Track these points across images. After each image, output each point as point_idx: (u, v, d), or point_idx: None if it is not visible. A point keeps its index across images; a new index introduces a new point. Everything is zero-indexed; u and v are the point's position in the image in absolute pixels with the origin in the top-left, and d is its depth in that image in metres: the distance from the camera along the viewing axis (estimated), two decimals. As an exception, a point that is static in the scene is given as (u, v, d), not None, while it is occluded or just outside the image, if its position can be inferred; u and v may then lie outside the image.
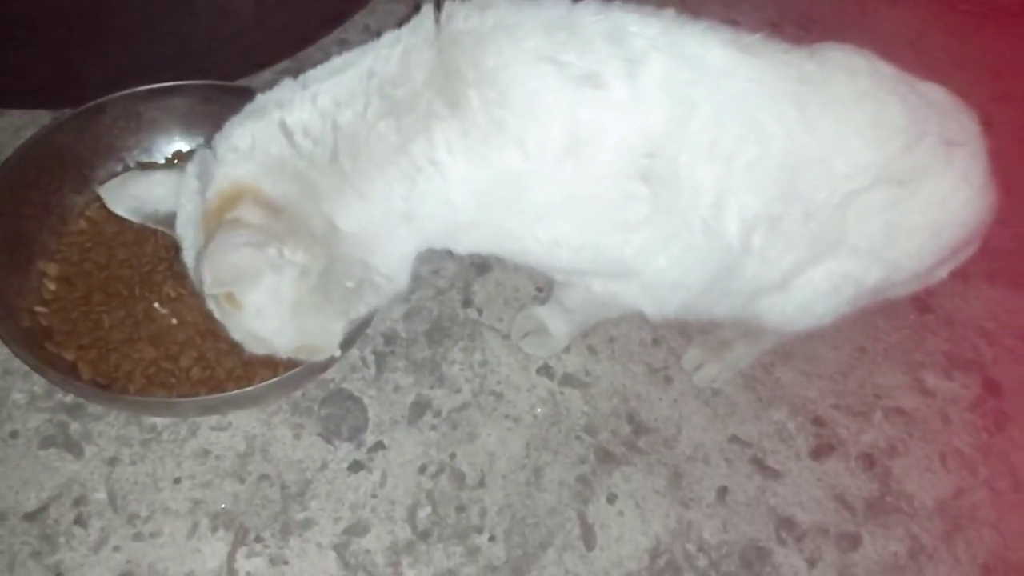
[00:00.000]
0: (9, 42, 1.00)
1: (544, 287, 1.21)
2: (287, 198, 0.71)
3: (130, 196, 0.81)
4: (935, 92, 0.87)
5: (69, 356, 0.92)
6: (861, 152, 0.81)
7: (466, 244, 0.83)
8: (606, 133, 0.73)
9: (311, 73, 0.76)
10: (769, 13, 1.81)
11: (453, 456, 1.05)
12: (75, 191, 1.02)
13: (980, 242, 1.01)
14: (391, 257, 0.79)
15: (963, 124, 0.87)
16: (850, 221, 0.84)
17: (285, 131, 0.72)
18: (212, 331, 0.97)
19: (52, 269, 0.98)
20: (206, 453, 0.97)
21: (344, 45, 1.36)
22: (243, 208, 0.69)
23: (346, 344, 0.94)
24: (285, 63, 1.20)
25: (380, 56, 0.73)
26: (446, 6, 0.74)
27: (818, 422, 1.20)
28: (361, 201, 0.73)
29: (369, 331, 1.11)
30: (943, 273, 1.03)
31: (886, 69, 0.84)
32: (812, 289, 0.91)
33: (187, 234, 0.77)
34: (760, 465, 1.14)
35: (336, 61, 0.76)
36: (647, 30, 0.74)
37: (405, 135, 0.71)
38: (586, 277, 0.92)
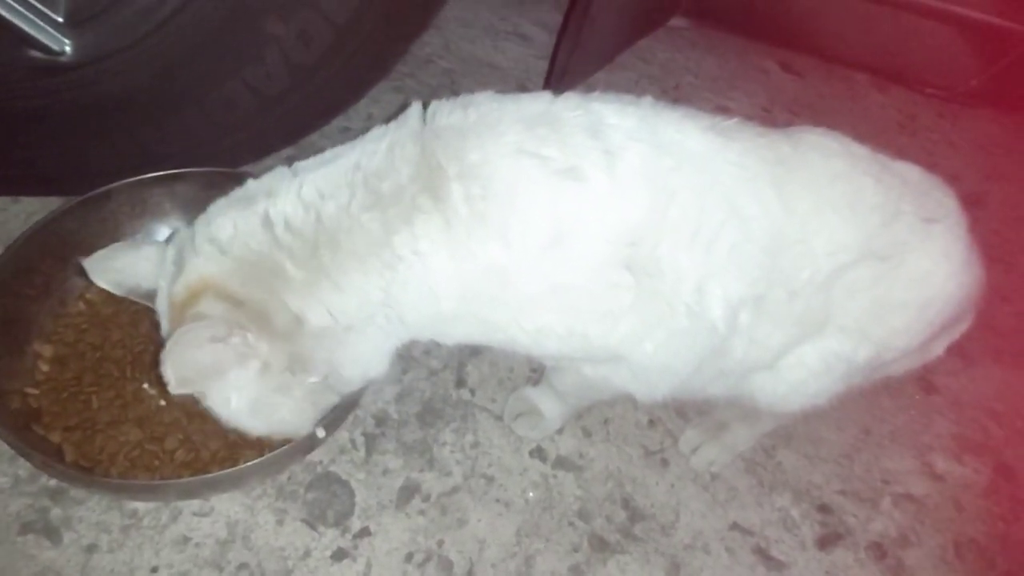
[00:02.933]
0: (22, 134, 1.05)
1: (538, 368, 1.20)
2: (251, 294, 0.72)
3: (113, 269, 0.82)
4: (909, 171, 0.89)
5: (55, 438, 0.92)
6: (840, 230, 0.82)
7: (453, 335, 0.83)
8: (588, 224, 0.74)
9: (301, 163, 0.78)
10: (760, 99, 1.87)
11: (441, 543, 1.01)
12: (77, 274, 1.05)
13: (974, 317, 1.00)
14: (362, 352, 0.79)
15: (939, 201, 0.88)
16: (836, 299, 0.84)
17: (267, 224, 0.73)
18: (199, 413, 0.96)
19: (47, 351, 0.99)
20: (186, 540, 0.95)
21: (347, 133, 1.42)
22: (205, 302, 0.71)
23: (332, 426, 0.93)
24: (288, 150, 1.25)
25: (367, 150, 0.75)
26: (432, 104, 0.77)
27: (824, 509, 1.16)
28: (336, 292, 0.73)
29: (359, 412, 1.11)
30: (939, 350, 1.01)
31: (858, 150, 0.86)
32: (803, 368, 0.90)
33: (163, 314, 0.78)
34: (764, 555, 1.09)
35: (326, 153, 0.78)
36: (625, 121, 0.76)
37: (389, 227, 0.72)
38: (575, 362, 0.91)
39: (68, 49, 0.97)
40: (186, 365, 0.69)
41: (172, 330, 0.71)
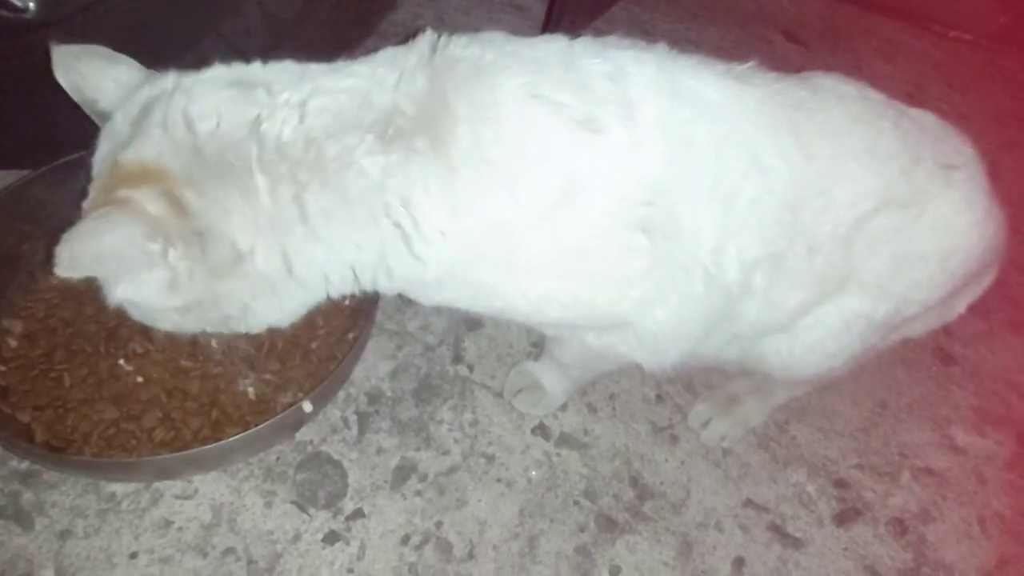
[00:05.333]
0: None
1: (539, 343, 1.14)
2: (203, 207, 0.62)
3: (78, 71, 0.69)
4: (925, 117, 0.85)
5: (24, 417, 0.86)
6: (861, 177, 0.78)
7: (435, 299, 0.76)
8: (604, 180, 0.69)
9: (315, 67, 0.69)
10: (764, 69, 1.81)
11: (440, 524, 0.96)
12: (49, 246, 0.99)
13: (996, 273, 0.96)
14: (290, 305, 0.71)
15: (957, 148, 0.85)
16: (857, 254, 0.80)
17: (255, 134, 0.63)
18: (180, 389, 0.91)
19: (16, 326, 0.93)
20: (167, 524, 0.89)
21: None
22: (146, 193, 0.60)
23: (320, 401, 0.88)
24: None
25: (377, 78, 0.67)
26: (444, 36, 0.70)
27: (841, 484, 1.10)
28: (309, 242, 0.66)
29: (351, 390, 1.05)
30: (961, 308, 0.97)
31: (874, 95, 0.83)
32: (820, 328, 0.86)
33: (97, 173, 0.67)
34: (779, 532, 1.03)
35: (339, 69, 0.69)
36: (643, 69, 0.71)
37: (387, 172, 0.65)
38: (578, 331, 0.85)
39: (32, 6, 0.91)
40: (86, 254, 0.59)
41: (96, 201, 0.62)
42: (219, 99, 0.64)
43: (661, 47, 0.75)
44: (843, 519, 1.07)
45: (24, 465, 0.90)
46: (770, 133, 0.74)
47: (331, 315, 1.02)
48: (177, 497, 0.91)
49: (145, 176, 0.62)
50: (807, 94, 0.78)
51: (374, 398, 1.06)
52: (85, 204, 0.65)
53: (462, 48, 0.69)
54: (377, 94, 0.66)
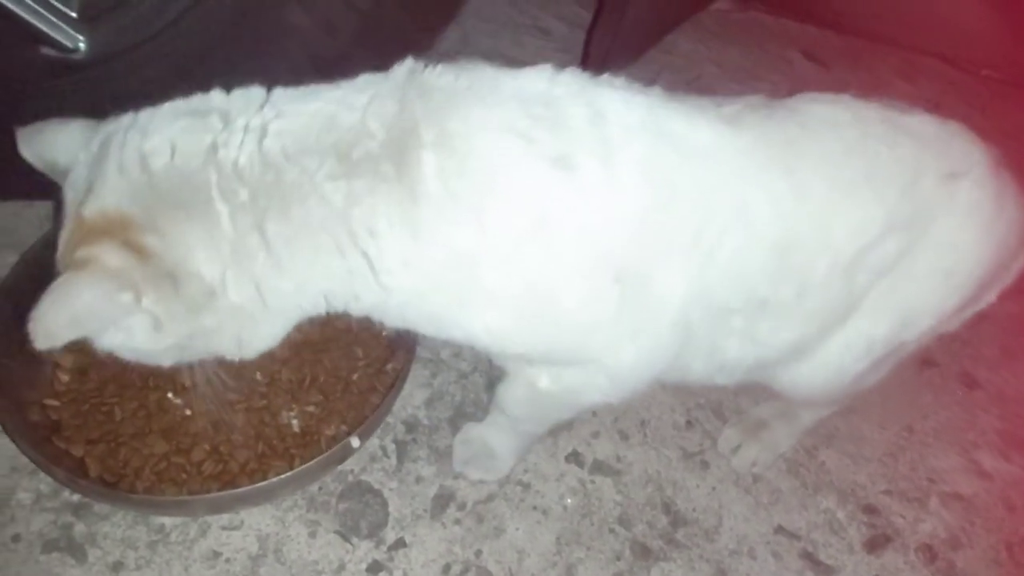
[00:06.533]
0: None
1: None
2: (165, 246, 0.61)
3: (40, 140, 0.70)
4: (924, 125, 0.82)
5: (77, 452, 0.88)
6: (859, 209, 0.76)
7: (396, 322, 0.73)
8: (575, 219, 0.66)
9: (280, 92, 0.67)
10: (784, 89, 1.81)
11: (479, 553, 0.97)
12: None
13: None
14: (270, 331, 0.70)
15: (963, 151, 0.82)
16: (859, 283, 0.79)
17: (212, 161, 0.62)
18: (226, 422, 0.93)
19: (67, 360, 0.95)
20: (216, 555, 0.91)
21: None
22: (105, 248, 0.59)
23: (366, 434, 0.90)
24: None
25: (347, 102, 0.65)
26: (422, 64, 0.69)
27: (870, 510, 1.12)
28: (273, 270, 0.64)
29: (389, 419, 1.07)
30: (992, 297, 0.92)
31: (867, 113, 0.79)
32: (820, 351, 0.85)
33: (64, 229, 0.65)
34: (811, 560, 1.05)
35: (308, 91, 0.67)
36: (630, 111, 0.69)
37: (351, 199, 0.63)
38: (533, 370, 0.81)
39: (82, 46, 0.93)
40: (59, 323, 0.58)
41: (63, 260, 0.62)
42: (173, 131, 0.63)
43: (655, 90, 0.73)
44: (874, 546, 1.08)
45: (76, 497, 0.92)
46: (760, 178, 0.72)
47: (370, 346, 1.04)
48: (224, 528, 0.93)
49: (107, 227, 0.60)
50: (799, 129, 0.75)
51: (411, 427, 1.08)
52: (57, 257, 0.64)
53: (438, 76, 0.68)
54: (344, 115, 0.64)
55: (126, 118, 0.66)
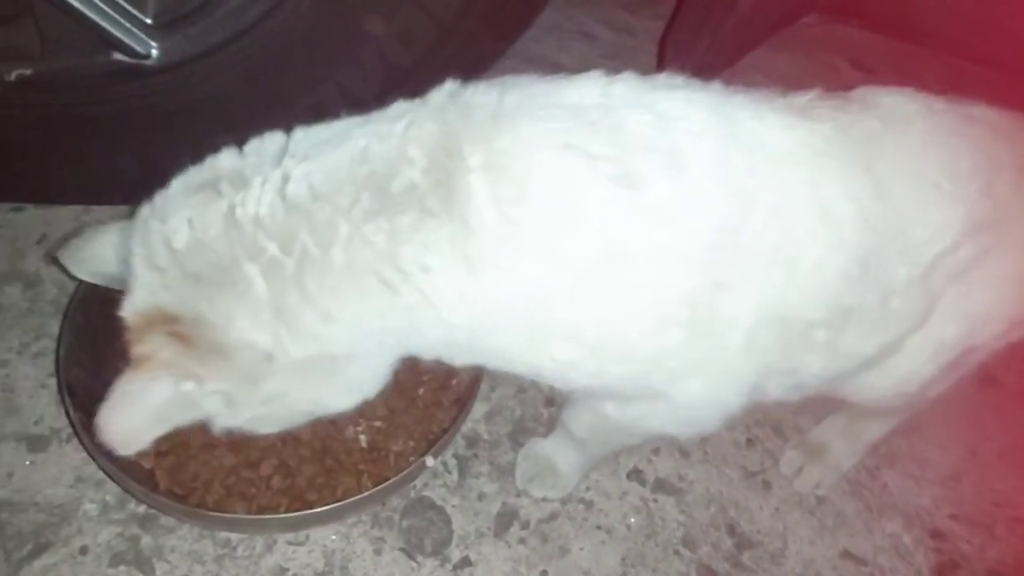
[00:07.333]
0: (100, 141, 1.00)
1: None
2: (207, 329, 0.59)
3: (85, 258, 0.70)
4: (988, 114, 0.77)
5: (147, 464, 0.87)
6: (940, 210, 0.71)
7: (464, 360, 0.70)
8: (642, 242, 0.61)
9: (300, 136, 0.63)
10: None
11: (544, 574, 0.96)
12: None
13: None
14: (354, 378, 0.66)
15: None
16: (934, 288, 0.75)
17: (232, 226, 0.58)
18: (293, 436, 0.92)
19: (133, 369, 0.94)
20: (282, 571, 0.90)
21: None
22: (151, 341, 0.58)
23: (439, 452, 0.88)
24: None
25: (380, 131, 0.60)
26: (464, 84, 0.64)
27: (936, 535, 1.09)
28: (322, 322, 0.60)
29: (450, 433, 1.05)
30: None
31: (938, 105, 0.75)
32: (897, 357, 0.81)
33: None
34: (879, 586, 1.03)
35: (332, 127, 0.63)
36: (694, 112, 0.63)
37: (397, 238, 0.58)
38: (600, 400, 0.78)
39: (154, 52, 0.92)
40: (133, 428, 0.59)
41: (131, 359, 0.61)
42: (188, 208, 0.60)
43: (716, 85, 0.67)
44: (941, 572, 1.06)
45: (141, 509, 0.91)
46: (842, 176, 0.66)
47: (433, 359, 1.03)
48: (290, 543, 0.92)
49: (149, 324, 0.59)
50: (878, 123, 0.70)
51: (472, 442, 1.06)
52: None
53: (481, 94, 0.62)
54: (377, 146, 0.59)
55: (145, 208, 0.63)
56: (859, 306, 0.71)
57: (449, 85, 0.64)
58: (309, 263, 0.58)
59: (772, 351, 0.71)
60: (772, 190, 0.64)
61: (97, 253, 0.69)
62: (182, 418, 0.62)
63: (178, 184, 0.63)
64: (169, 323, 0.59)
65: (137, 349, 0.59)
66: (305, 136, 0.63)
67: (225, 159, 0.63)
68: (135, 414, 0.59)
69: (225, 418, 0.64)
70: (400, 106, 0.64)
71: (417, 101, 0.64)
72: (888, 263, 0.71)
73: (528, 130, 0.59)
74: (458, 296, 0.60)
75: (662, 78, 0.66)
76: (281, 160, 0.60)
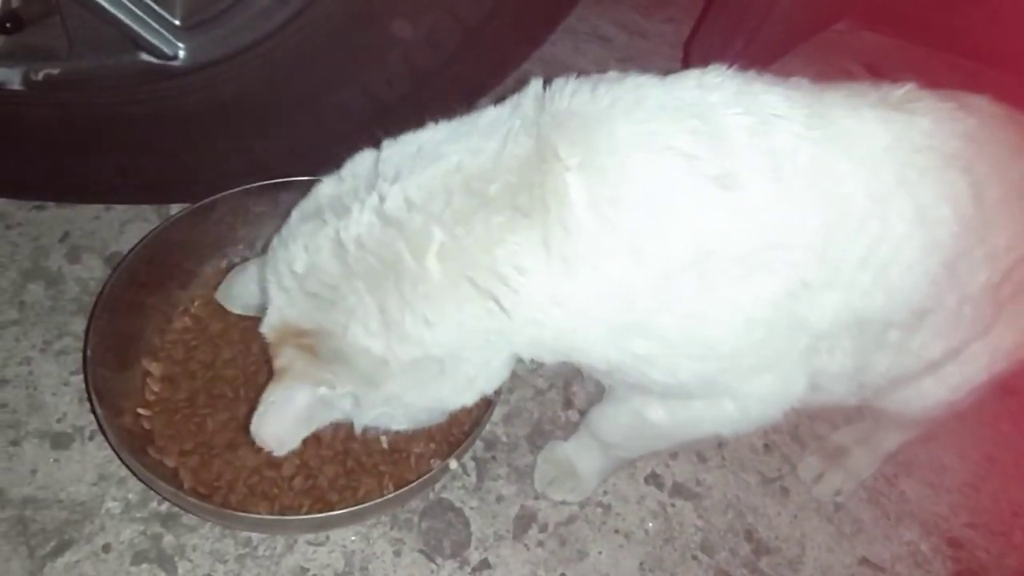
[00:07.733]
0: (126, 141, 1.01)
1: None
2: (326, 340, 0.65)
3: (235, 295, 0.80)
4: None
5: (170, 463, 0.87)
6: (1022, 218, 0.71)
7: (547, 359, 0.71)
8: (738, 245, 0.61)
9: (388, 154, 0.65)
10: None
11: (563, 577, 0.96)
12: (180, 287, 1.01)
13: None
14: (468, 374, 0.69)
15: None
16: (1002, 297, 0.75)
17: (339, 249, 0.63)
18: (315, 437, 0.92)
19: (156, 369, 0.94)
20: (303, 571, 0.90)
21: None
22: (284, 354, 0.66)
23: (462, 453, 0.88)
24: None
25: (471, 147, 0.62)
26: (554, 83, 0.65)
27: (954, 543, 1.09)
28: (424, 327, 0.63)
29: (469, 435, 1.05)
30: None
31: (1020, 116, 0.76)
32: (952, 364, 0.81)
33: None
34: (898, 594, 1.03)
35: (419, 140, 0.65)
36: (794, 111, 0.62)
37: (491, 239, 0.60)
38: (646, 403, 0.77)
39: (181, 53, 0.92)
40: (286, 431, 0.68)
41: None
42: (303, 237, 0.66)
43: (802, 81, 0.68)
44: (960, 581, 1.06)
45: (164, 507, 0.91)
46: (941, 175, 0.66)
47: (454, 361, 1.03)
48: (310, 544, 0.92)
49: (282, 338, 0.67)
50: (976, 122, 0.69)
51: (490, 444, 1.06)
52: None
53: (571, 97, 0.63)
54: (470, 160, 0.61)
55: (275, 239, 0.70)
56: (937, 309, 0.71)
57: (534, 88, 0.66)
58: (405, 271, 0.62)
59: (846, 350, 0.71)
60: (869, 191, 0.64)
61: (244, 289, 0.79)
62: (325, 418, 0.70)
63: (295, 214, 0.69)
64: (298, 336, 0.66)
65: (277, 363, 0.67)
66: (393, 152, 0.66)
67: (326, 187, 0.68)
68: (284, 420, 0.67)
69: (358, 416, 0.71)
70: (490, 115, 0.66)
71: (507, 109, 0.65)
72: (972, 268, 0.70)
73: (625, 131, 0.60)
74: (551, 297, 0.62)
75: (751, 75, 0.66)
76: (375, 183, 0.64)
